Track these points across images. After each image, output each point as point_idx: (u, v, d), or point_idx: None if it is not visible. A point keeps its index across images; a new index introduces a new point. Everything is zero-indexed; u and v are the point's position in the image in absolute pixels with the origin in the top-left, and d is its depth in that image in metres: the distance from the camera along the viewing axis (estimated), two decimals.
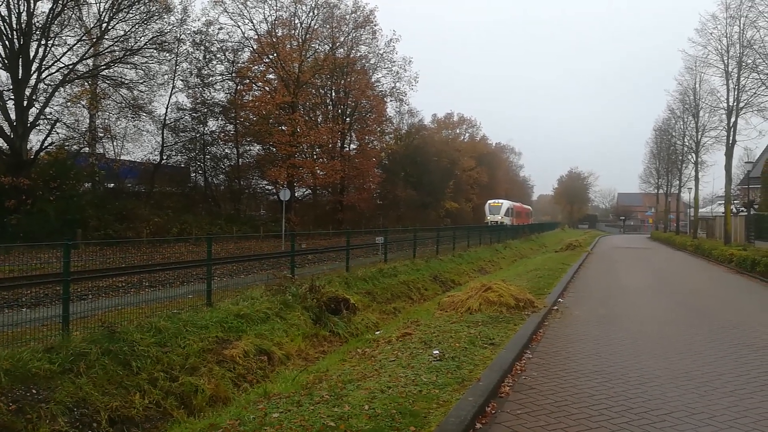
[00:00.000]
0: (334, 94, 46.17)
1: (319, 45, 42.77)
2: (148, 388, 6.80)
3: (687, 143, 44.51)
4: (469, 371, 6.39)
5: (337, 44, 43.08)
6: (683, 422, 5.17)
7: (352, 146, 47.57)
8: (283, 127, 39.32)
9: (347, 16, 42.64)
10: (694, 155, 41.42)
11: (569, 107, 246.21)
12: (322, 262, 19.13)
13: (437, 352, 7.17)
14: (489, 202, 63.12)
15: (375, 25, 43.80)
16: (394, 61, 46.50)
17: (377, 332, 10.12)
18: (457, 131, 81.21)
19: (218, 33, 37.69)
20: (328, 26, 41.99)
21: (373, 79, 47.01)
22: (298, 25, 40.43)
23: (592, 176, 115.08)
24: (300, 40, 40.33)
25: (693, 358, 7.67)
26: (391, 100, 49.07)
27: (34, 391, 5.92)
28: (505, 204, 61.56)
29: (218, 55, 38.33)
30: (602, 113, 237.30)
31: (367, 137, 47.59)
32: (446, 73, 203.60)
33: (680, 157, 48.72)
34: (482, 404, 5.37)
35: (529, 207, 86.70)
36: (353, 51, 44.34)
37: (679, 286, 16.83)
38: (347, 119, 45.74)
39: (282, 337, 9.54)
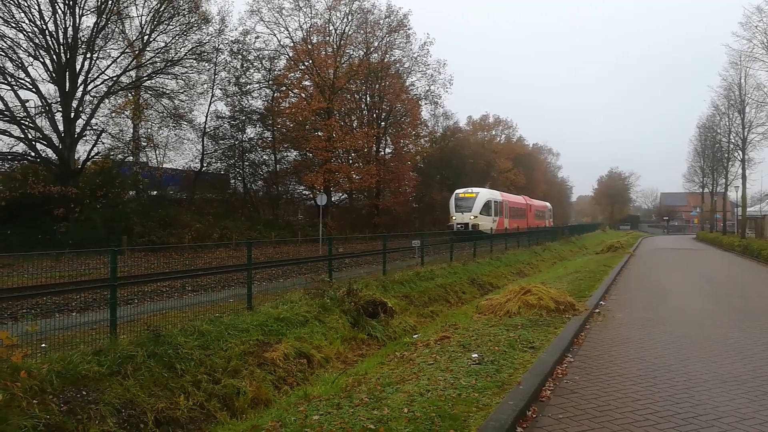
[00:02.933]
0: (368, 98, 46.39)
1: (353, 51, 43.14)
2: (192, 390, 6.95)
3: (733, 140, 43.04)
4: (508, 375, 6.33)
5: (372, 49, 43.32)
6: (733, 428, 5.00)
7: (388, 150, 47.67)
8: (319, 133, 39.74)
9: (381, 21, 42.88)
10: (740, 152, 39.95)
11: (607, 105, 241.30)
12: (359, 265, 19.22)
13: (476, 355, 7.13)
14: (457, 191, 41.19)
15: (409, 29, 43.89)
16: (428, 64, 46.43)
17: (415, 336, 10.11)
18: (493, 133, 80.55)
19: (255, 42, 38.43)
20: (362, 32, 42.28)
21: (407, 83, 47.07)
22: (333, 31, 40.86)
23: (633, 176, 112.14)
24: (335, 47, 40.71)
25: (743, 361, 7.41)
26: (425, 104, 49.01)
27: (84, 393, 6.12)
28: (483, 195, 39.97)
29: (255, 64, 39.03)
30: (641, 111, 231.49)
31: (402, 141, 47.64)
32: (480, 74, 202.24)
33: (726, 155, 47.13)
34: (523, 408, 5.31)
35: (547, 204, 65.18)
36: (387, 55, 44.52)
37: (727, 288, 16.26)
38: (382, 123, 45.90)
39: (321, 340, 9.63)
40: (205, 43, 31.30)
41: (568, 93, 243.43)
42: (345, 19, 40.62)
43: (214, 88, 36.24)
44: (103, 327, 8.01)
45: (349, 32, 41.39)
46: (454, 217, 39.16)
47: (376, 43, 43.47)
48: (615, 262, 23.76)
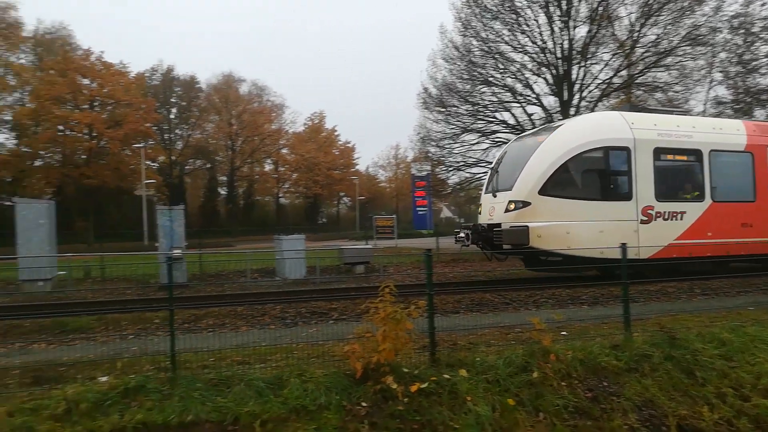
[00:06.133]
0: None
1: None
2: (717, 402, 6.36)
3: None
4: None
5: None
6: None
7: None
8: None
9: None
10: None
11: None
12: None
13: None
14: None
15: None
16: None
17: None
18: None
19: (760, 11, 32.83)
20: None
21: None
22: None
23: None
24: None
25: None
26: None
27: (604, 384, 6.40)
28: (575, 132, 13.52)
29: (762, 35, 33.30)
30: None
31: None
32: None
33: None
34: None
35: None
36: None
37: None
38: None
39: None
40: (701, 26, 28.66)
41: None
42: None
43: (713, 72, 32.87)
44: (613, 322, 8.23)
45: None
46: (483, 201, 15.84)
47: None
48: None
